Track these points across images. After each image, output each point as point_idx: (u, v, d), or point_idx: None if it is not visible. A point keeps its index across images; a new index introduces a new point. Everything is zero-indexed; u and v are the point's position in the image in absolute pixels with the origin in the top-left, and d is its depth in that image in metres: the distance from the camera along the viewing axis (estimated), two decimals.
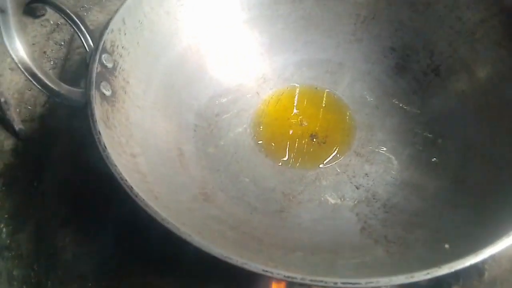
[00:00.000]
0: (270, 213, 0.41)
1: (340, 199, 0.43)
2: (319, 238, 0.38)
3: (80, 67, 0.55)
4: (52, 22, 0.62)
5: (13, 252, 0.45)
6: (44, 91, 0.33)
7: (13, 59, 0.31)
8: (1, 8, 0.29)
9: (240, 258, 0.27)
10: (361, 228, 0.39)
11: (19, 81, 0.57)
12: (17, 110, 0.54)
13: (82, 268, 0.40)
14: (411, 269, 0.28)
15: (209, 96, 0.49)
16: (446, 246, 0.31)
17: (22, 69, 0.31)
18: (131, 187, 0.30)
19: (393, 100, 0.49)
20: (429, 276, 0.26)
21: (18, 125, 0.52)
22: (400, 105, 0.49)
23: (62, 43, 0.59)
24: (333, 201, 0.43)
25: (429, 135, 0.46)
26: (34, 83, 0.32)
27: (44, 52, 0.59)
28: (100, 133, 0.33)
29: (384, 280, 0.26)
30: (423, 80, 0.48)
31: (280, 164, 0.46)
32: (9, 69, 0.58)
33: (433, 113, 0.46)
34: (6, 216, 0.47)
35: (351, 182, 0.44)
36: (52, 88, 0.33)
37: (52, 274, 0.41)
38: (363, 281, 0.26)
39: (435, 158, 0.43)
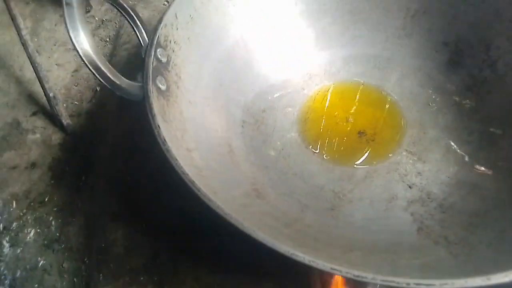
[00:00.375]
0: (322, 211, 0.40)
1: (393, 198, 0.42)
2: (375, 238, 0.37)
3: (126, 63, 0.55)
4: (97, 19, 0.62)
5: (63, 245, 0.46)
6: (106, 84, 0.33)
7: (77, 51, 0.31)
8: (66, 1, 0.29)
9: (306, 255, 0.26)
10: (418, 228, 0.38)
11: (65, 76, 0.58)
12: (64, 105, 0.55)
13: (134, 262, 0.40)
14: (482, 271, 0.27)
15: (256, 92, 0.49)
16: None
17: (86, 62, 0.31)
18: (193, 181, 0.29)
19: (446, 97, 0.47)
20: (507, 280, 0.25)
21: (66, 120, 0.53)
22: (453, 101, 0.47)
23: (108, 39, 0.60)
24: (385, 201, 0.42)
25: (485, 133, 0.44)
26: (97, 76, 0.32)
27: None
28: (159, 127, 0.33)
29: (459, 282, 0.25)
30: (478, 76, 0.46)
31: (328, 161, 0.45)
32: (56, 64, 0.59)
33: (489, 110, 0.45)
34: (55, 209, 0.48)
35: (403, 181, 0.43)
36: (113, 81, 0.33)
37: (103, 267, 0.41)
38: (437, 282, 0.25)
39: (493, 158, 0.41)
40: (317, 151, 0.46)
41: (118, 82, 0.33)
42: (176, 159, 0.31)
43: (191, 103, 0.41)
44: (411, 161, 0.44)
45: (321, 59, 0.52)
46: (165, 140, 0.32)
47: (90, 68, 0.31)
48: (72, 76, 0.58)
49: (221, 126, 0.43)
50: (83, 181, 0.50)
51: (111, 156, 0.48)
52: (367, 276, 0.25)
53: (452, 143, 0.45)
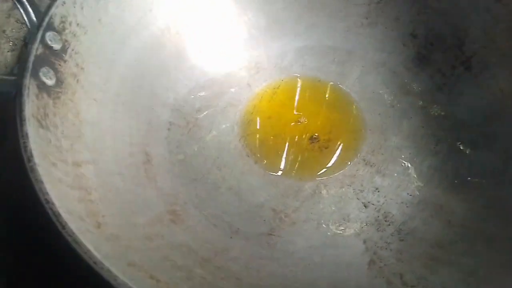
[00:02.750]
0: (256, 236, 0.33)
1: (344, 219, 0.35)
2: (316, 275, 0.30)
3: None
4: None
5: None
6: None
7: None
8: None
9: None
10: (370, 261, 0.31)
11: None
12: None
13: None
14: None
15: (189, 88, 0.41)
16: None
17: None
18: (58, 213, 0.22)
19: (413, 98, 0.40)
20: None
21: None
22: (421, 104, 0.40)
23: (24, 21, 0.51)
24: (335, 223, 0.35)
25: (456, 143, 0.37)
26: None
27: (3, 31, 0.51)
28: (27, 136, 0.25)
29: None
30: (450, 74, 0.39)
31: (272, 173, 0.38)
32: None
33: (461, 115, 0.38)
34: None
35: (358, 198, 0.36)
36: None
37: None
38: None
39: (464, 173, 0.35)
40: (259, 160, 0.38)
41: None
42: (42, 182, 0.23)
43: (97, 101, 0.33)
44: (368, 174, 0.38)
45: (271, 51, 0.44)
46: (31, 154, 0.24)
47: None
48: None
49: (137, 130, 0.35)
50: None
51: None
52: None
53: (417, 154, 0.38)
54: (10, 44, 0.50)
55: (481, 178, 0.34)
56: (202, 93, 0.41)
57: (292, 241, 0.33)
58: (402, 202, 0.35)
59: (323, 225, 0.35)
